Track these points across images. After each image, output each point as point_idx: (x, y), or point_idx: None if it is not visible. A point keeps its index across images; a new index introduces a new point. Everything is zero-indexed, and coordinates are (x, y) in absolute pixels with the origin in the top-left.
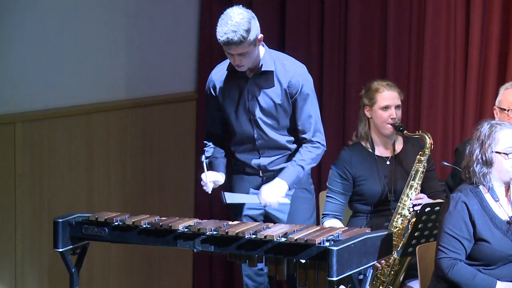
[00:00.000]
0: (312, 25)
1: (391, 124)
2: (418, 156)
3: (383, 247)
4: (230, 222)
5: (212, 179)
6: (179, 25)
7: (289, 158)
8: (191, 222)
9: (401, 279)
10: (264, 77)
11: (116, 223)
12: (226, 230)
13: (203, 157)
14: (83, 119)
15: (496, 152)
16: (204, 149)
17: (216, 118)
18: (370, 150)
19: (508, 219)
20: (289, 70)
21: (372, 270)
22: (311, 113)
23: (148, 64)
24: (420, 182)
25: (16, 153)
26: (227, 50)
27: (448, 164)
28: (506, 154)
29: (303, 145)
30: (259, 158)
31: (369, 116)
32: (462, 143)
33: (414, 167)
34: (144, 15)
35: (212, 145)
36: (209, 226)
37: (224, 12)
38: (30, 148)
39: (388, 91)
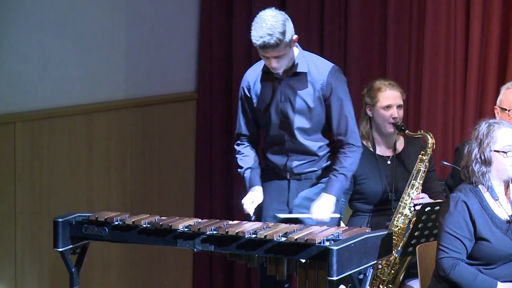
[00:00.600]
0: (312, 25)
1: (393, 124)
2: (420, 156)
3: (383, 246)
4: (230, 222)
5: (254, 204)
6: (179, 25)
7: (317, 163)
8: (191, 221)
9: (401, 278)
10: (297, 79)
11: (116, 223)
12: (226, 230)
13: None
14: (83, 119)
15: (495, 150)
16: (237, 156)
17: (250, 120)
18: (371, 150)
19: (508, 218)
20: (322, 72)
21: (372, 270)
22: (345, 114)
23: (148, 64)
24: (421, 182)
25: (16, 153)
26: (263, 54)
27: (448, 164)
28: (504, 152)
29: (340, 150)
30: (287, 160)
31: (371, 115)
32: (462, 143)
33: (415, 166)
34: (144, 14)
35: (245, 153)
36: (209, 226)
37: (258, 15)
38: (30, 147)
39: (390, 90)
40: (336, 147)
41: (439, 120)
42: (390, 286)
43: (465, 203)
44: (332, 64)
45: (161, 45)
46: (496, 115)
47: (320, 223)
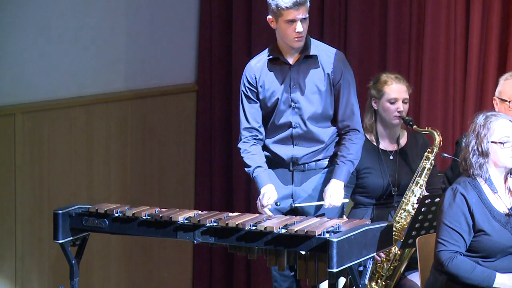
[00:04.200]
0: (312, 22)
1: (400, 117)
2: (426, 154)
3: (384, 238)
4: (230, 214)
5: (271, 202)
6: (179, 16)
7: (322, 152)
8: (191, 213)
9: (401, 270)
10: (307, 63)
11: (116, 215)
12: (226, 222)
13: (274, 204)
14: (83, 111)
15: (492, 142)
16: (242, 155)
17: (256, 111)
18: (375, 143)
19: (507, 211)
20: (331, 56)
21: (372, 262)
22: (352, 100)
23: (148, 56)
24: (426, 179)
25: (16, 144)
26: (292, 16)
27: (448, 156)
28: (501, 143)
29: (346, 136)
30: (293, 148)
31: (376, 108)
32: (462, 136)
33: (421, 164)
34: (144, 6)
35: (253, 151)
36: (209, 218)
37: None
38: (30, 139)
39: (396, 84)
40: (340, 133)
41: (439, 113)
42: (388, 281)
43: (463, 195)
44: (336, 49)
45: (161, 36)
46: (495, 106)
47: (332, 209)
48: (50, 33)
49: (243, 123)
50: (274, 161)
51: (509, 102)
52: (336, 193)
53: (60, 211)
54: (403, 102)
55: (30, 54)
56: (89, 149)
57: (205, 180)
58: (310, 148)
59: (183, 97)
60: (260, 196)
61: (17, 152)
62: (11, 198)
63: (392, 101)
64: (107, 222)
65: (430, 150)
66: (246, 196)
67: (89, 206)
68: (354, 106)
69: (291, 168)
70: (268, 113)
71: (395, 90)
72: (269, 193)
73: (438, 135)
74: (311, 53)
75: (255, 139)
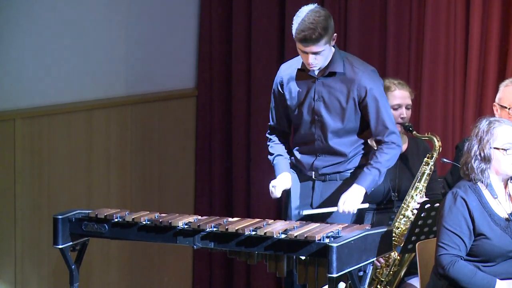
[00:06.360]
0: None
1: (401, 124)
2: (426, 159)
3: (383, 243)
4: (230, 219)
5: (282, 187)
6: (179, 22)
7: (343, 165)
8: (191, 218)
9: (401, 275)
10: (333, 78)
11: (116, 220)
12: (226, 227)
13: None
14: (83, 116)
15: (495, 148)
16: (268, 143)
17: (282, 115)
18: (375, 149)
19: (507, 216)
20: (358, 73)
21: (372, 267)
22: (382, 115)
23: (148, 61)
24: (425, 184)
25: (16, 150)
26: (302, 48)
27: (447, 161)
28: (504, 149)
29: (379, 146)
30: (315, 160)
31: None
32: (462, 140)
33: (420, 169)
34: (144, 11)
35: (277, 141)
36: (209, 223)
37: (300, 10)
38: (30, 144)
39: (399, 90)
40: (377, 145)
41: (438, 118)
42: (388, 287)
43: (463, 199)
44: (370, 66)
45: (161, 41)
46: (495, 112)
47: (346, 215)
48: (49, 38)
49: (270, 120)
50: (297, 167)
51: (509, 109)
52: (352, 198)
53: (60, 216)
54: (406, 108)
55: (30, 59)
56: (89, 154)
57: (205, 185)
58: (331, 160)
59: (183, 102)
60: (272, 184)
61: (17, 157)
62: (11, 203)
63: (396, 107)
64: (106, 227)
65: (429, 155)
66: (246, 201)
67: (89, 211)
68: (385, 121)
69: (313, 177)
70: (295, 121)
71: (399, 96)
72: (281, 180)
73: (438, 141)
74: (337, 69)
75: (278, 135)
